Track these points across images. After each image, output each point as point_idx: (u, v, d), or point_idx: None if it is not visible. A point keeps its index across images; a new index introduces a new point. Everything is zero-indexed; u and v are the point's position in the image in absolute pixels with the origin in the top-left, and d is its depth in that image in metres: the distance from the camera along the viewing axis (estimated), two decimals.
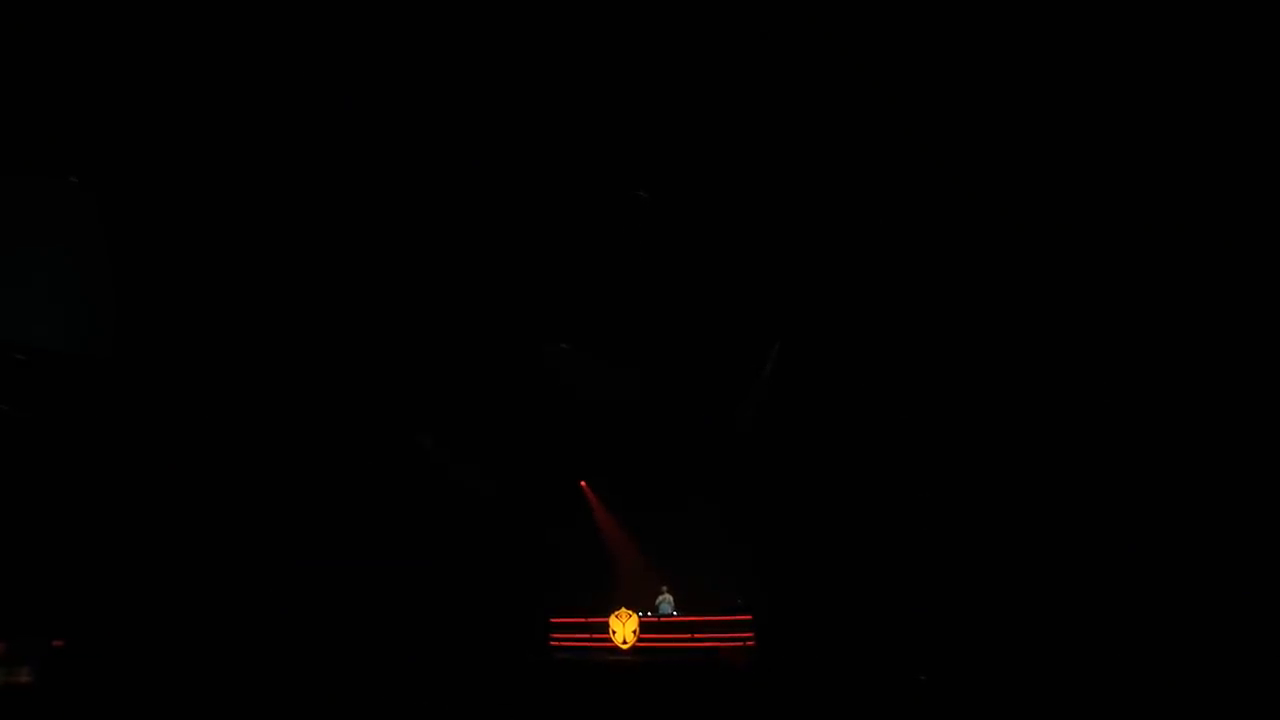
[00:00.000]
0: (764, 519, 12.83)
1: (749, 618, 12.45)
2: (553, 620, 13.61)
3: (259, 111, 7.85)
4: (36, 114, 7.66)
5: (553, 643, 13.53)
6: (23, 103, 7.53)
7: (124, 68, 7.29)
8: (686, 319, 11.28)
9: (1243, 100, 6.96)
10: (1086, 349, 9.59)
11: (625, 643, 12.90)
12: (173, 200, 8.97)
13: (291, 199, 9.04)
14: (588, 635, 13.21)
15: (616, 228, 9.59)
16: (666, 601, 13.63)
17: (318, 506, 12.83)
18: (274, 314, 10.68)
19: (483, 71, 7.52)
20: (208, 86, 7.55)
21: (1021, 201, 8.61)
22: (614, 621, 13.08)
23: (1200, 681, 7.36)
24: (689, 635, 12.68)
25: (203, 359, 11.12)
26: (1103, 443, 9.62)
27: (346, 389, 12.17)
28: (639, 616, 13.13)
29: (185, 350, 10.88)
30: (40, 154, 8.08)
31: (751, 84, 7.57)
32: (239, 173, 8.62)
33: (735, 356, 12.24)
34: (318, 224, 9.40)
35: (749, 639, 12.23)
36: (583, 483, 15.38)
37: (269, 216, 9.29)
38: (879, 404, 11.74)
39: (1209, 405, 8.55)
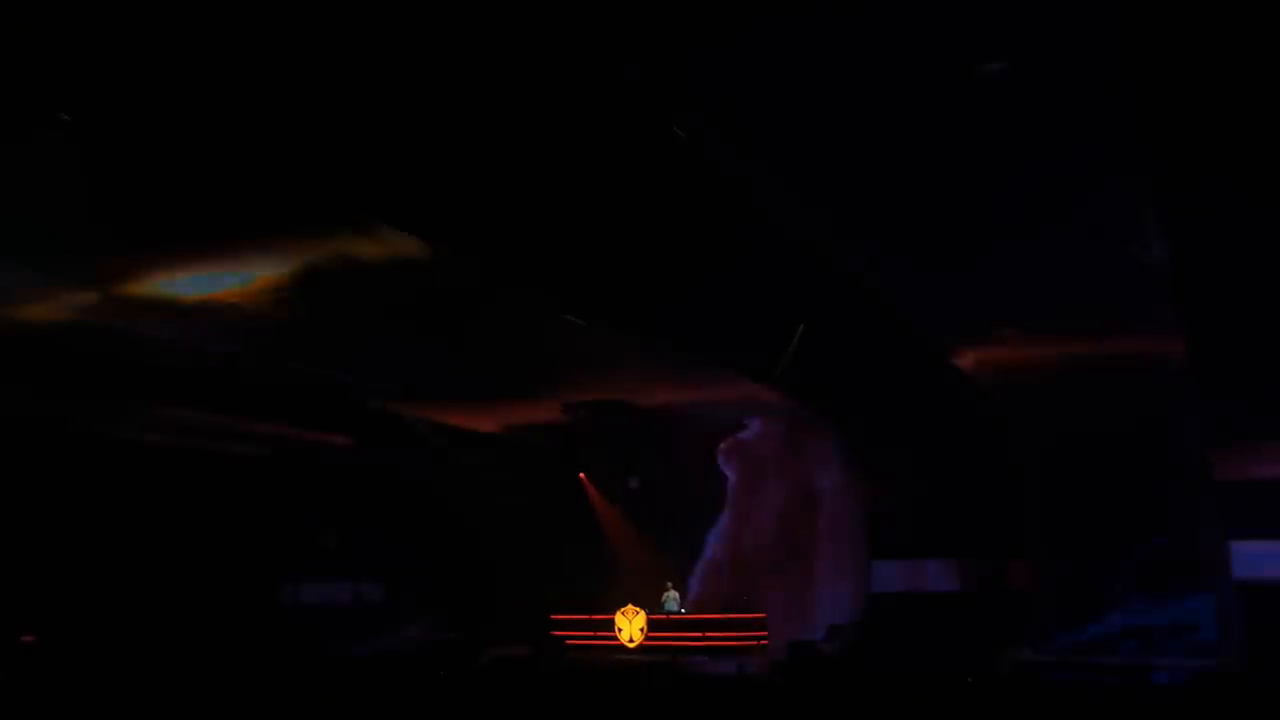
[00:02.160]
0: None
1: (762, 616, 11.97)
2: (556, 617, 13.07)
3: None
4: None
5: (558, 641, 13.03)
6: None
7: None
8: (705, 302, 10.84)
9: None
10: None
11: (632, 641, 12.46)
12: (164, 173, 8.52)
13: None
14: (593, 633, 12.74)
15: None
16: (673, 598, 13.26)
17: (309, 497, 12.42)
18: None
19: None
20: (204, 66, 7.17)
21: None
22: (620, 619, 12.62)
23: None
24: (699, 634, 12.20)
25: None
26: None
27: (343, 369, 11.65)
28: (646, 613, 12.61)
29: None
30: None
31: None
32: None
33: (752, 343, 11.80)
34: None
35: (762, 638, 11.75)
36: (581, 475, 14.90)
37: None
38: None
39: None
